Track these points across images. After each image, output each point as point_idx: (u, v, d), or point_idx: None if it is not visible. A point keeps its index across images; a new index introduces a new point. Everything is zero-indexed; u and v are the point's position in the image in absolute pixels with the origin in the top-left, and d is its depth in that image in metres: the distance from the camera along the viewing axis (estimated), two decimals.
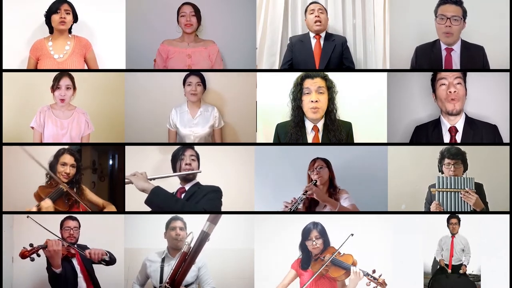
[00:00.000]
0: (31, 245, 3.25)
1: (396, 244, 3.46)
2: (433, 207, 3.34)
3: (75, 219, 3.45)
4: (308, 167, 3.47)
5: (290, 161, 3.64)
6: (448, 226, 3.43)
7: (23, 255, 3.25)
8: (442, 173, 3.42)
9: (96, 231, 3.50)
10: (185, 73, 3.65)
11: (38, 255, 3.26)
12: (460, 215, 3.41)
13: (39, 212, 3.35)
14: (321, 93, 3.42)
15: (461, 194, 3.31)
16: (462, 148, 3.41)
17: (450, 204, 3.32)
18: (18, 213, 3.50)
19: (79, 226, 3.46)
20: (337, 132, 3.45)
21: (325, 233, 3.27)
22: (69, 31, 3.63)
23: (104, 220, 3.52)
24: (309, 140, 3.47)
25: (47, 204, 3.33)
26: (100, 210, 3.50)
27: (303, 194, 3.33)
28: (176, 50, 3.73)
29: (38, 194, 3.40)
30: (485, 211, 3.35)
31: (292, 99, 3.47)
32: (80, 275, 3.36)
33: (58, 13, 3.56)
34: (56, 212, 3.36)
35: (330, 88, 3.44)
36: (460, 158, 3.39)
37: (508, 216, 3.43)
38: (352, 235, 3.20)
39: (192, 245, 3.01)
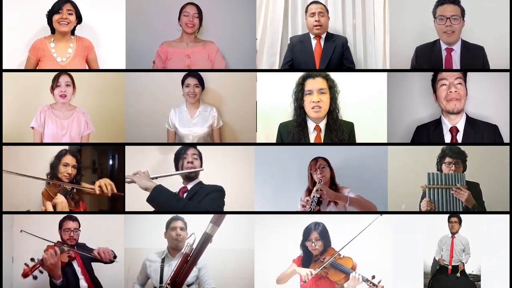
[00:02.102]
0: (32, 259, 3.18)
1: (396, 244, 3.46)
2: (423, 204, 3.33)
3: (76, 219, 3.41)
4: (310, 167, 3.47)
5: (291, 161, 3.64)
6: (448, 224, 3.43)
7: (26, 275, 3.16)
8: (441, 171, 3.42)
9: (96, 231, 3.49)
10: (184, 73, 3.65)
11: (41, 272, 3.19)
12: (460, 215, 3.41)
13: (39, 212, 3.36)
14: (323, 93, 3.41)
15: (452, 190, 3.30)
16: (462, 148, 3.41)
17: (441, 201, 3.31)
18: (18, 213, 3.49)
19: (79, 227, 3.42)
20: (339, 132, 3.43)
21: (326, 234, 3.27)
22: (72, 32, 3.59)
23: (104, 220, 3.52)
24: (311, 140, 3.46)
25: (60, 199, 3.30)
26: (98, 205, 3.47)
27: (316, 192, 3.33)
28: (175, 51, 3.72)
29: (47, 192, 3.38)
30: (484, 210, 3.35)
31: (294, 99, 3.46)
32: (81, 276, 3.34)
33: (59, 13, 3.50)
34: (56, 212, 3.34)
35: (331, 87, 3.42)
36: (461, 158, 3.39)
37: (508, 216, 3.44)
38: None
39: (194, 246, 3.00)
